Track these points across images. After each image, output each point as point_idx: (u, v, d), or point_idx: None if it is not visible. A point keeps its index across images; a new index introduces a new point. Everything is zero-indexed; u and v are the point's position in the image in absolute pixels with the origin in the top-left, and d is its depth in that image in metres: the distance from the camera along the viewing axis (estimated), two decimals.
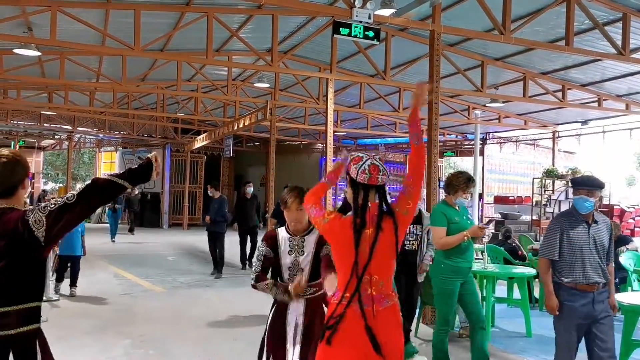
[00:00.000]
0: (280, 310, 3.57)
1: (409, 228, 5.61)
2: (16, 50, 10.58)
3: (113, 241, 16.78)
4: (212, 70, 14.80)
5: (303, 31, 11.49)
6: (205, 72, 14.55)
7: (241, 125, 16.36)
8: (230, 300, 8.58)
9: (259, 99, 16.45)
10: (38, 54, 10.82)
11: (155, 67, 13.92)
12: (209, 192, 11.54)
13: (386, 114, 17.07)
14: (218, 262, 10.81)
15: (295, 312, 3.53)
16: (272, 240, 3.60)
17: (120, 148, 26.56)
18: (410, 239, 5.79)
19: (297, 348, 3.48)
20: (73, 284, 8.67)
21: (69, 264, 8.71)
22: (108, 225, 18.12)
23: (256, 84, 14.80)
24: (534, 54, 11.19)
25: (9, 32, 9.92)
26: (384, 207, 2.94)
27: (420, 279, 5.84)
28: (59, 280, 8.62)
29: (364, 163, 2.97)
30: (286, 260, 3.55)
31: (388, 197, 3.11)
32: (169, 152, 24.55)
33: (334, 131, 14.26)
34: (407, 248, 5.74)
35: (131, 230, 19.91)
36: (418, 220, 5.81)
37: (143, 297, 8.76)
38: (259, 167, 26.06)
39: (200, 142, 21.53)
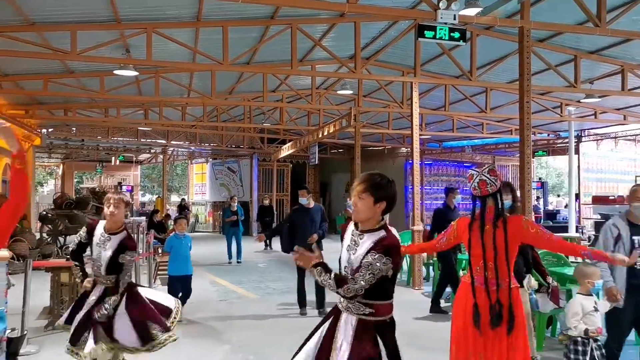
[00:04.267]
0: None
1: (636, 240, 4.69)
2: (116, 72, 11.31)
3: (239, 262, 14.32)
4: (296, 80, 15.08)
5: (385, 36, 11.48)
6: (290, 82, 14.85)
7: (326, 133, 16.54)
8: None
9: (343, 105, 16.57)
10: (136, 73, 11.48)
11: (241, 80, 14.39)
12: (302, 199, 8.41)
13: (472, 115, 16.67)
14: (320, 294, 8.12)
15: None
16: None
17: (211, 159, 27.60)
18: None
19: None
20: (183, 302, 7.55)
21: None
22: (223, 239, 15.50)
23: (339, 92, 14.93)
24: (632, 44, 10.54)
25: (109, 54, 10.60)
26: (499, 209, 3.86)
27: None
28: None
29: (474, 181, 3.92)
30: (342, 254, 3.21)
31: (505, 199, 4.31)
32: (256, 161, 25.26)
33: (419, 134, 14.11)
34: (638, 267, 4.67)
35: (268, 245, 17.83)
36: None
37: (238, 303, 9.03)
38: (343, 173, 26.21)
39: (286, 150, 21.97)
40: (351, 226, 3.21)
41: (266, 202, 19.44)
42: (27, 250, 12.08)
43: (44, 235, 14.42)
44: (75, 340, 4.36)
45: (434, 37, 7.32)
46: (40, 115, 17.29)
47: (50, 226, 14.44)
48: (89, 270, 4.62)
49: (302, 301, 8.25)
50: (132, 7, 9.12)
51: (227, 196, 25.36)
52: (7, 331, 4.07)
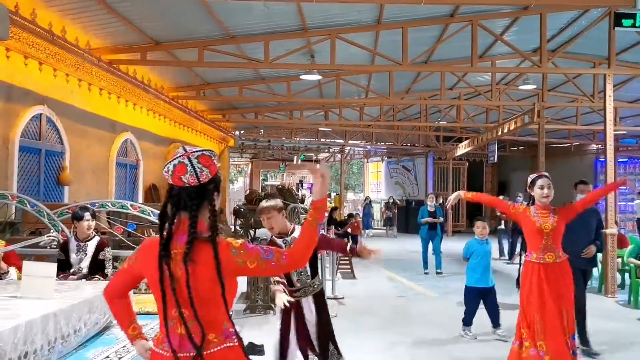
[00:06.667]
0: None
1: None
2: (302, 76, 12.11)
3: (439, 272, 11.79)
4: (475, 76, 14.76)
5: (574, 26, 10.79)
6: (468, 78, 14.59)
7: (506, 130, 15.93)
8: (508, 308, 8.42)
9: (525, 101, 15.85)
10: (319, 77, 12.18)
11: (418, 80, 14.48)
12: (581, 196, 5.83)
13: None
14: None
15: None
16: None
17: (386, 158, 28.03)
18: None
19: None
20: (496, 323, 6.68)
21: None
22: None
23: (521, 87, 14.33)
24: None
25: (295, 61, 11.37)
26: None
27: None
28: (467, 324, 6.69)
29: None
30: None
31: None
32: (432, 160, 25.10)
33: (613, 130, 12.98)
34: None
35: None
36: None
37: (417, 300, 9.16)
38: (523, 172, 24.83)
39: (462, 149, 21.54)
40: None
41: (439, 200, 18.30)
42: None
43: (237, 227, 15.86)
44: None
45: (634, 26, 6.76)
46: (234, 119, 19.06)
47: (242, 219, 15.85)
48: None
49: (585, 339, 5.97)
50: (318, 15, 9.71)
51: (402, 194, 25.50)
52: None
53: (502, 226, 14.13)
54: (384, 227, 23.72)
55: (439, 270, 11.80)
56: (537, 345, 4.52)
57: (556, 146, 22.98)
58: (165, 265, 2.10)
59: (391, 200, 23.73)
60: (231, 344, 2.16)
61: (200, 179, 2.15)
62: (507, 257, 14.16)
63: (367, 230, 21.93)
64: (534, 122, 13.64)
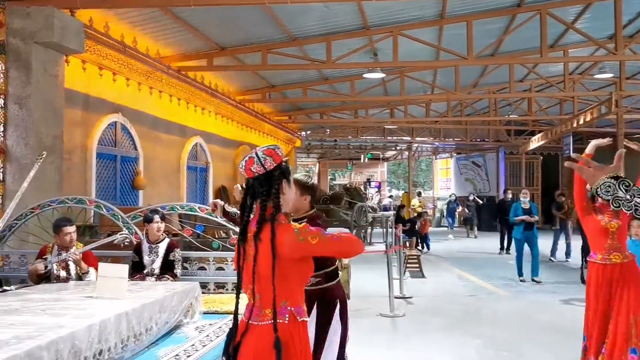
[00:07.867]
0: None
1: None
2: (365, 75, 12.08)
3: (536, 281, 10.27)
4: (546, 67, 14.23)
5: None
6: (539, 70, 14.08)
7: (581, 122, 15.28)
8: (579, 307, 8.07)
9: (601, 91, 15.12)
10: (383, 75, 12.09)
11: (486, 73, 14.11)
12: None
13: None
14: None
15: None
16: None
17: (455, 154, 27.49)
18: None
19: None
20: None
21: None
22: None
23: (597, 76, 13.68)
24: None
25: (358, 60, 11.34)
26: None
27: None
28: None
29: None
30: None
31: None
32: (503, 154, 24.39)
33: None
34: None
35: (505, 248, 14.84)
36: None
37: (488, 299, 8.92)
38: (603, 164, 23.70)
39: (535, 142, 20.81)
40: None
41: (508, 196, 15.86)
42: None
43: None
44: None
45: None
46: (300, 120, 19.27)
47: None
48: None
49: None
50: (380, 13, 9.65)
51: (472, 191, 24.77)
52: None
53: (557, 226, 13.40)
54: (464, 226, 22.82)
55: (536, 279, 10.24)
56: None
57: (637, 137, 21.76)
58: (241, 248, 2.44)
59: (471, 198, 21.78)
60: (280, 321, 2.33)
61: (266, 167, 2.43)
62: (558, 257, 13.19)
63: (451, 231, 20.98)
64: (611, 112, 13.06)
